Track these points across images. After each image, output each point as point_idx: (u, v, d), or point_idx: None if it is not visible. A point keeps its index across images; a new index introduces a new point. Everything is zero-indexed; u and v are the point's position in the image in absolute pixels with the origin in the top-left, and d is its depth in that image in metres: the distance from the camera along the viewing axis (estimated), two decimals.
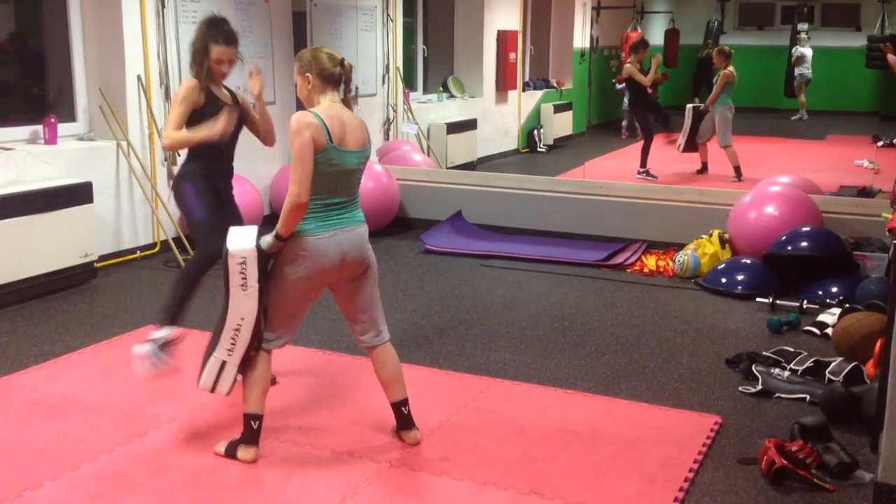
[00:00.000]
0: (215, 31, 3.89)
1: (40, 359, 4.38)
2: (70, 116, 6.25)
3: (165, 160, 6.47)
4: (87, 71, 6.26)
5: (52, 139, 5.87)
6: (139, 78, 6.27)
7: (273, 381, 4.05)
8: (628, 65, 9.80)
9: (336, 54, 3.27)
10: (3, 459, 3.32)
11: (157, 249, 6.44)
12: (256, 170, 7.22)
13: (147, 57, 6.30)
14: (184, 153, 4.13)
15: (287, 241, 3.15)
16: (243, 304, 3.17)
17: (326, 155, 3.11)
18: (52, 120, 5.90)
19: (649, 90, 10.23)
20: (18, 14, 6.53)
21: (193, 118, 3.89)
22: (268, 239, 3.15)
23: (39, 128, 5.90)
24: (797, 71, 15.65)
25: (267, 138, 4.16)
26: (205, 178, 3.99)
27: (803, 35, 15.80)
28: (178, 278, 4.02)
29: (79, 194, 5.58)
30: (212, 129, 3.83)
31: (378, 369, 3.45)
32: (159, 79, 6.42)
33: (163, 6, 6.38)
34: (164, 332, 3.85)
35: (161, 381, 3.90)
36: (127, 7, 6.14)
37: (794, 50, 15.69)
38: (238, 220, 4.03)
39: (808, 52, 15.57)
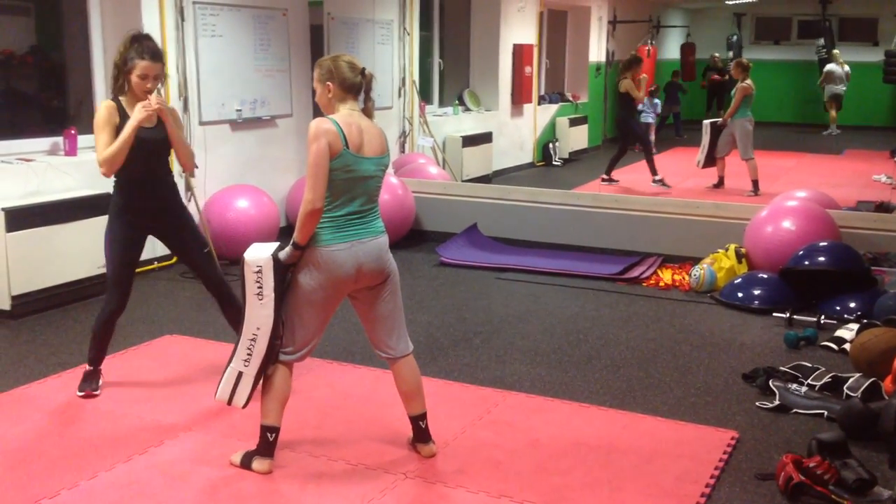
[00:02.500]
0: (139, 46, 3.78)
1: (58, 368, 4.41)
2: (90, 128, 6.22)
3: (183, 172, 6.50)
4: (106, 83, 6.32)
5: (72, 150, 5.93)
6: (158, 90, 6.30)
7: None
8: (626, 80, 9.85)
9: (357, 63, 3.25)
10: (21, 468, 3.34)
11: (174, 260, 6.46)
12: (272, 182, 7.27)
13: (166, 70, 6.35)
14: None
15: (304, 250, 3.15)
16: (259, 314, 3.17)
17: (343, 161, 3.11)
18: (73, 131, 5.96)
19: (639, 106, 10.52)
20: (39, 27, 6.61)
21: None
22: (287, 249, 3.16)
23: (60, 139, 5.96)
24: (826, 87, 15.64)
25: (185, 163, 4.00)
26: (126, 214, 3.88)
27: (835, 51, 15.80)
28: (92, 328, 4.06)
29: (98, 205, 5.60)
30: (137, 116, 3.69)
31: (399, 382, 3.43)
32: (178, 91, 6.47)
33: (182, 20, 6.45)
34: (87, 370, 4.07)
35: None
36: (147, 20, 6.20)
37: (825, 67, 15.71)
38: (194, 235, 4.05)
39: (836, 68, 15.54)
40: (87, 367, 4.09)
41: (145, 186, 3.91)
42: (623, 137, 10.27)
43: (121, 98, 3.85)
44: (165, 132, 3.89)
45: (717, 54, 16.60)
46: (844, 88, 15.70)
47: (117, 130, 3.78)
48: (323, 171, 3.07)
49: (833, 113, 15.84)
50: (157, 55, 3.83)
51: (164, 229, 4.04)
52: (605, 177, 9.90)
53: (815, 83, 16.06)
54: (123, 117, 3.80)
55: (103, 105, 3.84)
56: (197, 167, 4.15)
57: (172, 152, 4.00)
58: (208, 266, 4.11)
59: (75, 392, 4.03)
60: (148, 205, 3.93)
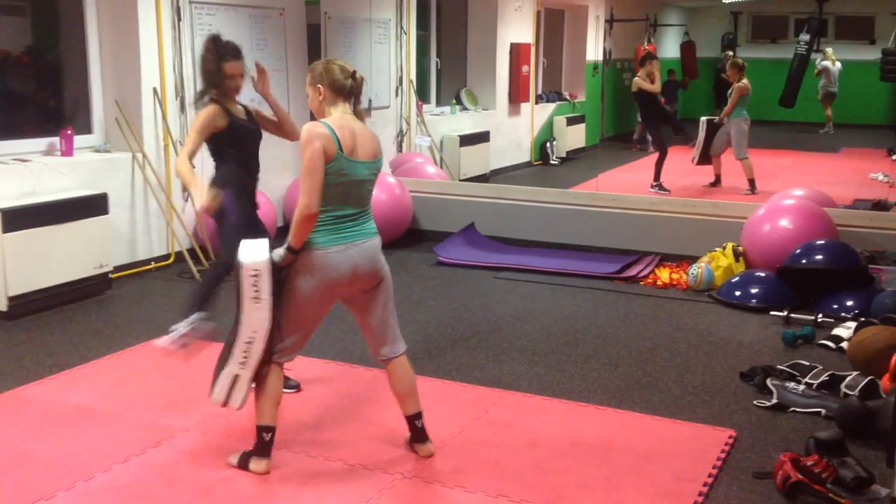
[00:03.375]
0: (223, 48, 3.92)
1: (55, 369, 4.40)
2: (86, 128, 6.30)
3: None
4: (103, 83, 6.32)
5: (68, 151, 5.92)
6: (155, 90, 6.32)
7: (297, 388, 4.07)
8: (637, 78, 9.81)
9: (348, 66, 3.27)
10: (17, 469, 3.34)
11: (171, 261, 6.47)
12: (269, 182, 7.25)
13: (163, 69, 6.35)
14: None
15: (299, 253, 3.15)
16: (256, 317, 3.17)
17: (337, 165, 3.11)
18: (69, 132, 5.95)
19: (662, 99, 10.27)
20: (35, 27, 6.60)
21: (216, 141, 3.94)
22: (280, 251, 3.15)
23: (56, 139, 5.95)
24: (819, 84, 15.65)
25: (290, 133, 4.17)
26: (240, 182, 4.03)
27: (827, 49, 15.82)
28: (201, 281, 4.10)
29: (94, 205, 5.62)
30: (198, 199, 3.79)
31: (393, 382, 3.44)
32: (175, 91, 6.46)
33: (179, 19, 6.44)
34: (189, 321, 3.94)
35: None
36: (143, 20, 6.19)
37: (817, 63, 15.71)
38: (264, 234, 4.06)
39: (829, 64, 15.56)
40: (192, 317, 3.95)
41: (252, 166, 4.11)
42: (653, 138, 10.14)
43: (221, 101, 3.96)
44: (257, 125, 4.09)
45: (730, 53, 16.60)
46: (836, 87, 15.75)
47: (224, 134, 3.91)
48: (318, 175, 3.07)
49: (828, 112, 15.86)
50: (239, 53, 3.98)
51: (250, 205, 4.12)
52: (654, 183, 9.56)
53: (811, 81, 16.06)
54: (231, 120, 3.94)
55: (208, 108, 3.92)
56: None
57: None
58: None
59: (78, 393, 4.03)
60: (251, 181, 4.11)
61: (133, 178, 6.24)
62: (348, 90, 3.24)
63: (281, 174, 7.40)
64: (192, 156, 3.90)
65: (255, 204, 4.16)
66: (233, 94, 3.99)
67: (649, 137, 10.17)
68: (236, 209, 4.00)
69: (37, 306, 5.30)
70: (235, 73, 3.94)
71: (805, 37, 16.06)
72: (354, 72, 3.27)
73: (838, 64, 15.71)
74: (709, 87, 17.01)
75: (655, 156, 9.81)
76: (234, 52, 3.95)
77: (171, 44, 6.42)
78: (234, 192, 4.00)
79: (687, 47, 16.95)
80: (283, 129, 4.18)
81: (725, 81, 10.34)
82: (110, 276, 5.78)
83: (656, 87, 9.87)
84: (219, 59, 3.91)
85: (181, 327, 3.92)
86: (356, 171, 3.18)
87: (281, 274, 3.20)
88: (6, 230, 5.09)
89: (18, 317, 5.19)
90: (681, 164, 10.27)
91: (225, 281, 4.00)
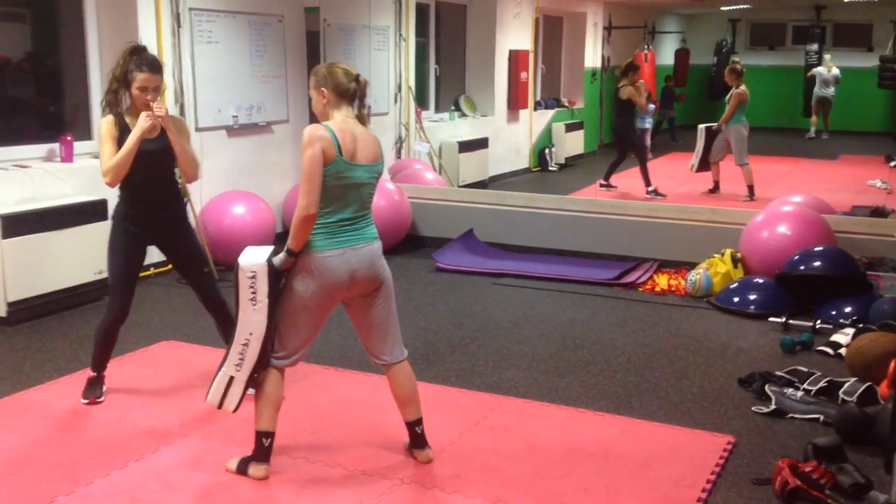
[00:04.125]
0: (138, 58, 3.79)
1: (54, 374, 4.41)
2: (86, 134, 6.31)
3: (179, 178, 6.50)
4: (103, 89, 6.30)
5: (67, 157, 5.92)
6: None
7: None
8: (628, 87, 9.81)
9: (351, 70, 3.27)
10: (17, 475, 3.34)
11: (169, 267, 6.46)
12: (268, 187, 7.27)
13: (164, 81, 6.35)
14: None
15: (298, 256, 3.16)
16: (252, 319, 3.18)
17: (336, 168, 3.12)
18: (69, 138, 5.96)
19: (656, 107, 10.36)
20: (35, 33, 6.61)
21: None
22: (280, 256, 3.16)
23: (56, 146, 5.96)
24: (814, 91, 15.70)
25: (185, 172, 3.96)
26: (128, 223, 3.90)
27: (826, 56, 15.86)
28: (94, 335, 4.08)
29: (94, 211, 5.63)
30: (140, 126, 3.70)
31: (394, 388, 3.44)
32: (174, 98, 6.48)
33: (178, 26, 6.45)
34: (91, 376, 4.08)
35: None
36: (143, 27, 6.21)
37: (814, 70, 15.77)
38: (195, 253, 4.05)
39: (823, 71, 15.59)
40: (90, 373, 4.10)
41: (147, 197, 3.91)
42: (621, 145, 10.26)
43: (122, 112, 3.86)
44: (168, 142, 3.87)
45: (736, 59, 16.63)
46: (833, 92, 15.74)
47: (119, 142, 3.78)
48: (317, 177, 3.08)
49: (815, 117, 15.87)
50: (155, 67, 3.83)
51: (165, 242, 4.06)
52: (603, 182, 9.89)
53: (809, 88, 16.11)
54: (123, 129, 3.81)
55: (104, 120, 3.84)
56: (198, 178, 4.15)
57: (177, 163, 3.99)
58: (207, 285, 4.12)
59: (77, 399, 4.04)
60: (150, 215, 3.94)
61: None
62: (352, 93, 3.25)
63: (280, 180, 7.41)
64: (106, 163, 3.75)
65: (166, 222, 3.96)
66: (141, 108, 3.79)
67: (634, 144, 10.18)
68: (113, 263, 3.92)
69: (36, 312, 5.30)
70: (147, 85, 3.76)
71: (813, 46, 16.12)
72: (358, 75, 3.27)
73: (835, 70, 15.73)
74: (702, 94, 17.02)
75: (654, 162, 9.84)
76: (150, 64, 3.78)
77: (171, 51, 6.43)
78: (120, 230, 3.90)
79: (681, 55, 17.00)
80: (180, 164, 3.93)
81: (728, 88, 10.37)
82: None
83: (643, 104, 9.99)
84: (132, 68, 3.76)
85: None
86: (355, 175, 3.18)
87: (282, 279, 3.21)
88: (6, 236, 5.10)
89: (18, 322, 5.19)
90: (679, 170, 10.29)
91: (116, 333, 4.05)
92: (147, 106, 3.78)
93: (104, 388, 4.09)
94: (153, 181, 3.90)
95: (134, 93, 3.80)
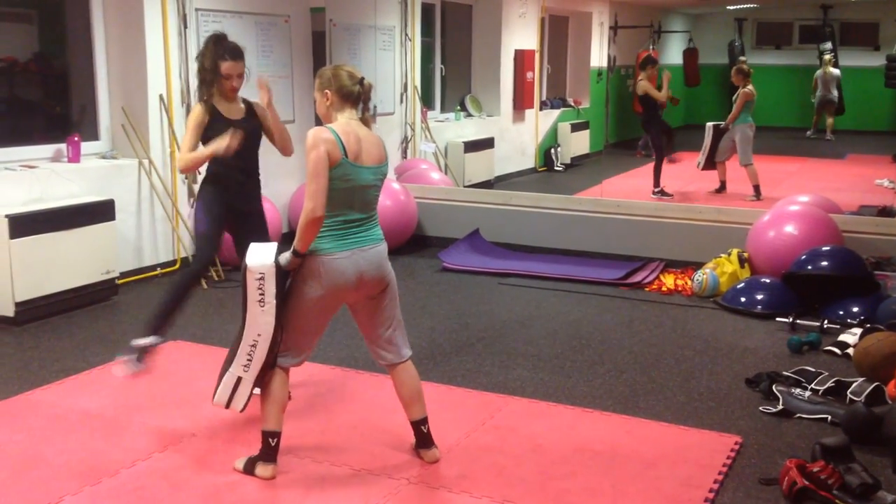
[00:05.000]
0: (221, 48, 3.96)
1: (62, 374, 4.42)
2: (93, 135, 6.33)
3: (186, 178, 6.54)
4: (110, 90, 6.35)
5: (75, 157, 5.94)
6: (161, 97, 6.34)
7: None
8: (643, 81, 9.75)
9: (356, 72, 3.28)
10: (25, 474, 3.35)
11: (177, 266, 6.48)
12: (274, 187, 7.27)
13: (169, 76, 6.38)
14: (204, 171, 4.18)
15: (305, 258, 3.16)
16: (260, 320, 3.19)
17: (341, 170, 3.12)
18: (76, 138, 5.97)
19: (663, 103, 10.18)
20: (42, 34, 6.63)
21: (203, 140, 3.97)
22: (286, 256, 3.16)
23: (63, 146, 5.98)
24: (817, 93, 15.65)
25: (283, 147, 4.20)
26: (216, 194, 4.07)
27: (826, 56, 15.78)
28: (167, 289, 4.15)
29: (101, 212, 5.65)
30: (217, 145, 3.89)
31: (398, 388, 3.44)
32: (181, 98, 6.49)
33: (185, 26, 6.46)
34: (145, 341, 4.02)
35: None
36: (150, 27, 6.22)
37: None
38: (262, 237, 4.07)
39: (820, 72, 15.54)
40: (150, 339, 4.03)
41: (240, 166, 4.07)
42: (653, 144, 10.07)
43: (211, 99, 4.01)
44: (256, 121, 4.07)
45: (743, 58, 16.57)
46: (836, 94, 15.69)
47: (209, 128, 3.94)
48: (322, 179, 3.08)
49: (816, 118, 15.82)
50: (238, 54, 4.01)
51: (244, 208, 4.14)
52: (655, 189, 9.45)
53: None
54: (215, 115, 3.97)
55: (195, 107, 4.01)
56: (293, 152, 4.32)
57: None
58: None
59: (86, 398, 4.05)
60: (241, 182, 4.11)
61: (139, 184, 6.26)
62: (356, 96, 3.26)
63: (286, 180, 7.41)
64: (190, 151, 3.95)
65: (251, 205, 4.16)
66: (230, 94, 4.02)
67: (651, 143, 10.10)
68: (204, 218, 4.06)
69: (44, 312, 5.32)
70: (232, 73, 3.97)
71: (827, 45, 16.05)
72: (362, 78, 3.28)
73: (836, 70, 15.66)
74: (713, 94, 16.99)
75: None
76: (233, 52, 3.98)
77: (178, 51, 6.45)
78: (211, 196, 4.05)
79: (689, 54, 16.96)
80: (277, 143, 4.18)
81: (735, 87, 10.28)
82: (117, 281, 5.81)
83: (662, 95, 9.82)
84: (216, 57, 3.94)
85: (133, 353, 4.01)
86: (360, 177, 3.19)
87: (288, 279, 3.21)
88: (13, 236, 5.12)
89: (26, 322, 5.21)
90: (685, 170, 10.27)
91: (193, 291, 4.11)
92: (234, 91, 4.01)
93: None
94: (245, 154, 4.05)
95: (221, 81, 3.97)
